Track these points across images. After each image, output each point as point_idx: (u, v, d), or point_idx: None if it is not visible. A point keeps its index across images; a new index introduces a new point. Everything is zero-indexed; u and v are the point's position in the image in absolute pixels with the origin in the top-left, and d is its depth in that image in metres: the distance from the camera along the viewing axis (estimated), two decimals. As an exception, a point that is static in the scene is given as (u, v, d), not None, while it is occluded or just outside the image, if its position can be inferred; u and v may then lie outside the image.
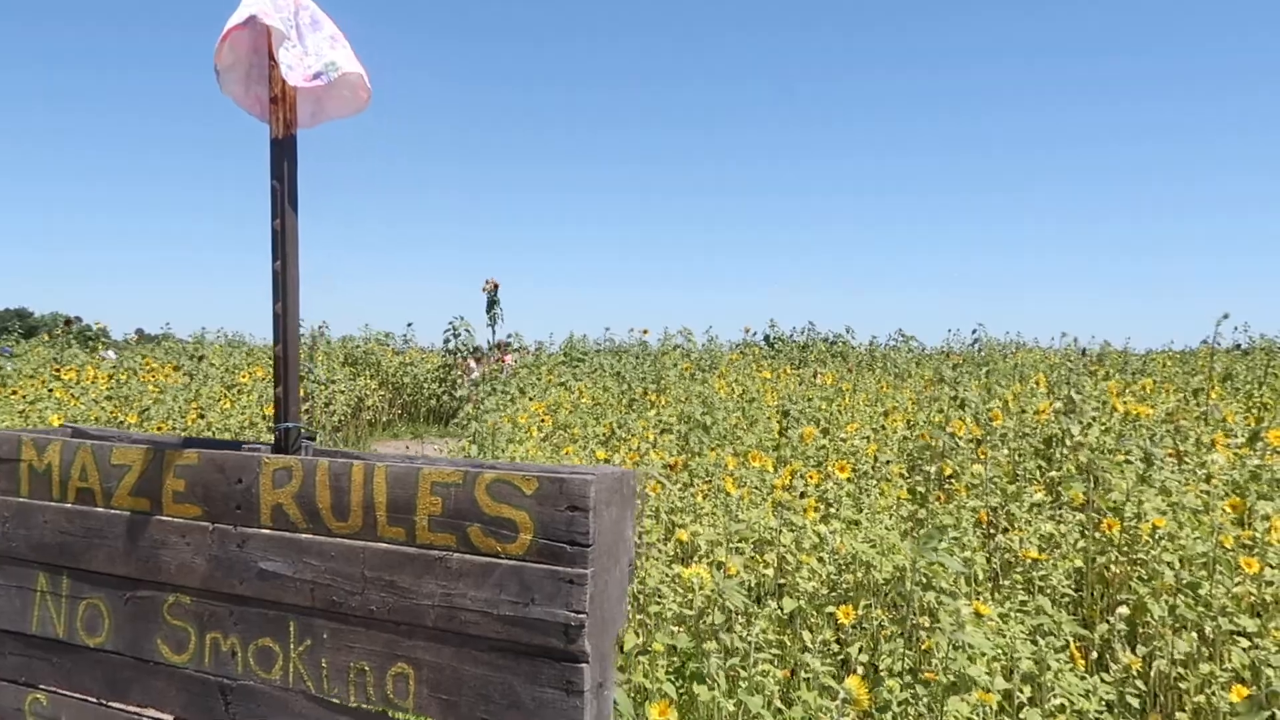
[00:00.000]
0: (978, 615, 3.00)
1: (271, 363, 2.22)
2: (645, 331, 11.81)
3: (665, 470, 4.71)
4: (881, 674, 2.77)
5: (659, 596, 3.06)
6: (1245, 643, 3.10)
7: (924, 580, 3.27)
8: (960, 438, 5.13)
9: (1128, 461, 3.93)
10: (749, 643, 2.63)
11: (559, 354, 15.54)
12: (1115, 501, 3.64)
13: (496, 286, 12.37)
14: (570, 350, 15.67)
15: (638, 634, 3.04)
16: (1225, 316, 6.46)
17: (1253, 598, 3.40)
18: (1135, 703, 2.75)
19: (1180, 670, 3.01)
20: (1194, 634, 3.26)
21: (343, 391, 11.08)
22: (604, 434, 7.09)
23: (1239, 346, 14.87)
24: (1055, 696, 2.52)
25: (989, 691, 2.52)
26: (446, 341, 14.76)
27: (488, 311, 12.80)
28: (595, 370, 11.91)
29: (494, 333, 12.66)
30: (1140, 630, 3.42)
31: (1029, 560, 3.64)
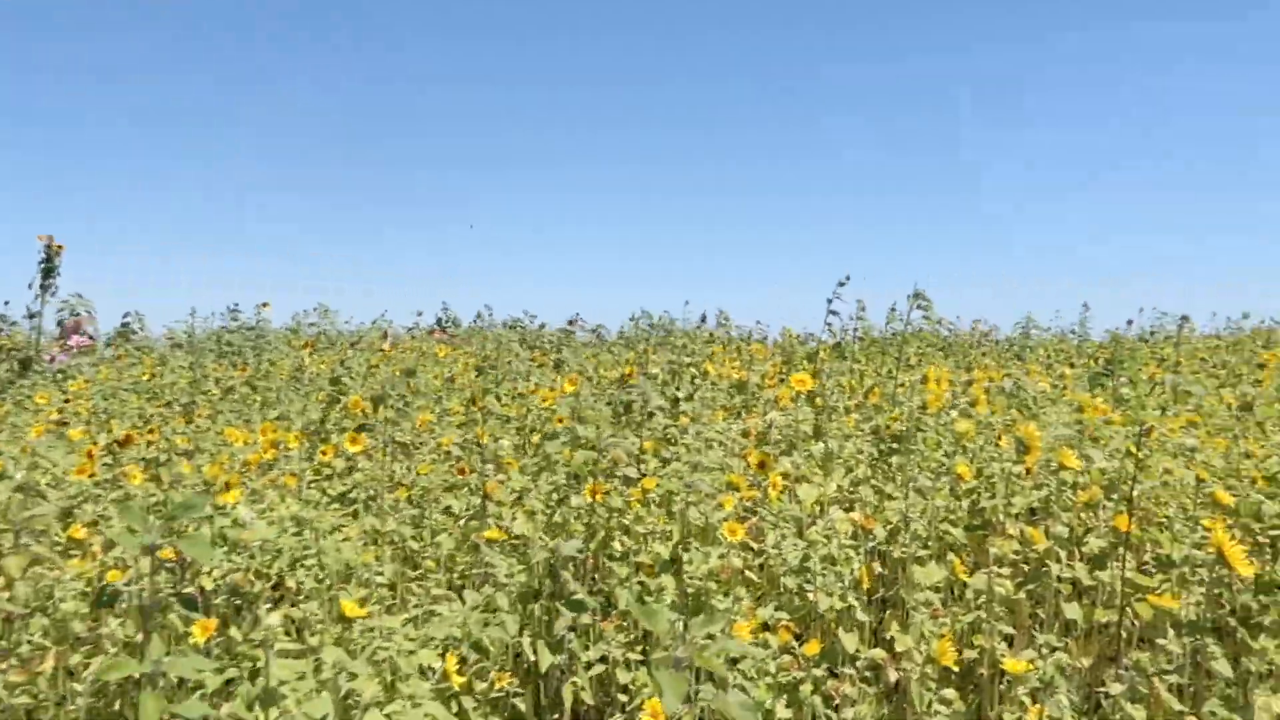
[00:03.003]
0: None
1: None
2: (265, 305, 10.90)
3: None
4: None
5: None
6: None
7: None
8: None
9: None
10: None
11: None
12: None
13: (58, 247, 9.51)
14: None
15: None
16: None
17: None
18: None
19: None
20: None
21: None
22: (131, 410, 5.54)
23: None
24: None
25: None
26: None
27: (43, 279, 9.71)
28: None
29: (43, 303, 9.77)
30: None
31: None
